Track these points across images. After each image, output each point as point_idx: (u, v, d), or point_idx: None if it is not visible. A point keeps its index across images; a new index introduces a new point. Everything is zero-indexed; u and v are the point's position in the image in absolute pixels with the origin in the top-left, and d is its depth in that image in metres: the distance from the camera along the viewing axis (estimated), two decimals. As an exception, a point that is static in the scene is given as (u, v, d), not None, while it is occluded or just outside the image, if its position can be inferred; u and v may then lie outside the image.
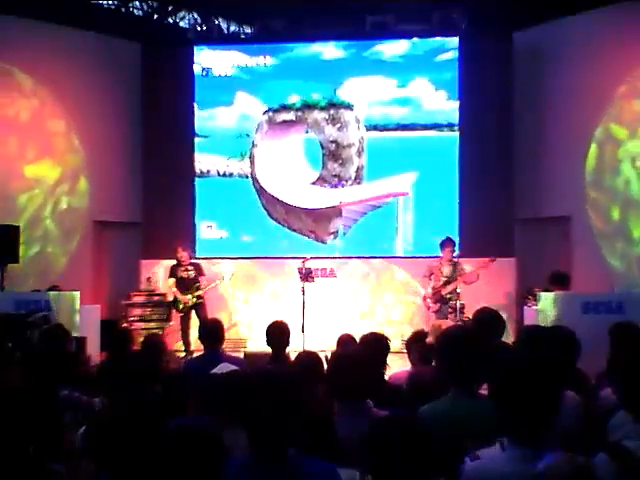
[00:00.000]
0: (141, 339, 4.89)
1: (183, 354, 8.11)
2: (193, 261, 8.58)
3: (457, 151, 9.22)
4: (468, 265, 7.98)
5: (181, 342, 8.36)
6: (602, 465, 2.02)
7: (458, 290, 7.72)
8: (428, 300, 7.85)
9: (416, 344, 4.08)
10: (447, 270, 7.75)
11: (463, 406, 2.64)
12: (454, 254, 7.88)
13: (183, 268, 8.38)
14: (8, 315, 5.22)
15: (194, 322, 8.16)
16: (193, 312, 8.32)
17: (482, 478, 2.02)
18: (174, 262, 8.47)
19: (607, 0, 8.25)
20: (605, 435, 2.49)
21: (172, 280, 8.38)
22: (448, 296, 7.69)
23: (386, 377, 3.83)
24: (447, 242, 7.90)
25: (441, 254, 7.86)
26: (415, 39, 9.36)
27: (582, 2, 8.51)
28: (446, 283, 7.70)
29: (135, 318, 8.68)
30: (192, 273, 8.35)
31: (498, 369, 2.18)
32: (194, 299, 8.27)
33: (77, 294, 7.28)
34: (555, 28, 8.88)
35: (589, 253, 8.50)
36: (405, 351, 4.20)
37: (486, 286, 8.55)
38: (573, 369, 3.37)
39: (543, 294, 6.46)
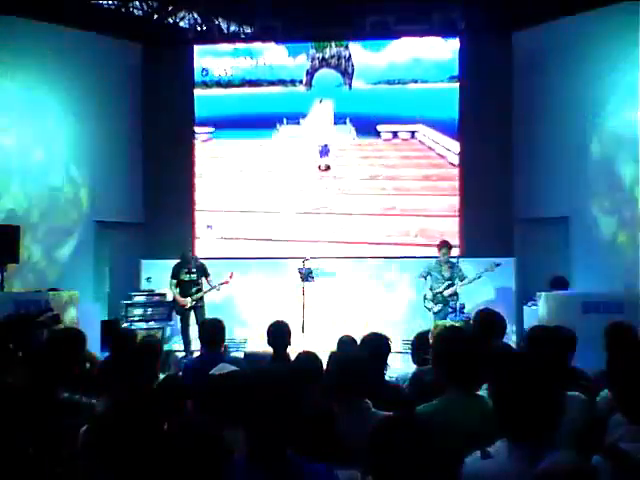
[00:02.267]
0: (140, 339, 4.89)
1: (183, 354, 8.11)
2: (199, 261, 8.46)
3: (457, 151, 9.24)
4: (469, 265, 8.03)
5: (181, 342, 8.36)
6: (598, 466, 2.02)
7: (458, 291, 7.77)
8: (429, 302, 7.87)
9: (421, 345, 4.08)
10: (447, 273, 7.79)
11: (460, 406, 2.64)
12: (449, 256, 7.91)
13: (186, 270, 8.25)
14: (17, 314, 5.19)
15: (194, 322, 8.15)
16: (193, 313, 8.29)
17: (483, 478, 2.02)
18: (177, 261, 8.33)
19: (607, 0, 8.25)
20: (604, 435, 2.49)
21: (174, 281, 8.26)
22: (449, 298, 7.73)
23: (387, 377, 3.83)
24: (440, 244, 7.97)
25: (439, 255, 7.93)
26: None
27: (582, 2, 8.50)
28: (449, 286, 7.74)
29: (135, 318, 8.67)
30: (194, 276, 8.24)
31: (499, 370, 2.18)
32: (192, 302, 8.22)
33: (77, 294, 7.30)
34: (555, 28, 8.88)
35: (589, 253, 8.49)
36: (404, 351, 4.20)
37: (486, 286, 8.57)
38: (567, 368, 3.37)
39: (543, 294, 6.46)
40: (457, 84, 9.24)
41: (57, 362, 3.38)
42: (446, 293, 7.74)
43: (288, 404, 1.99)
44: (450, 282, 7.76)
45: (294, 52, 9.58)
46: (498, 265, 7.73)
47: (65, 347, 3.59)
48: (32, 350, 3.80)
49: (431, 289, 7.86)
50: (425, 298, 7.94)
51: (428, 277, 7.93)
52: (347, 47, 9.52)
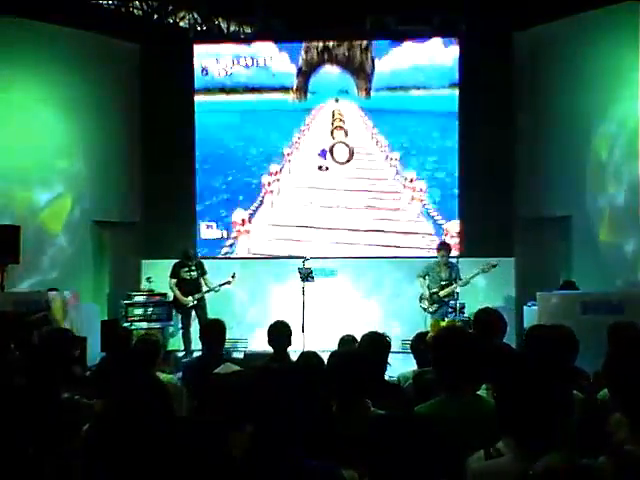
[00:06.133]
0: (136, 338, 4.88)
1: (183, 353, 8.13)
2: (198, 259, 8.50)
3: (457, 151, 9.24)
4: (469, 265, 8.04)
5: (181, 341, 8.37)
6: (602, 467, 2.02)
7: (457, 290, 7.79)
8: (425, 301, 7.94)
9: (421, 345, 4.08)
10: (445, 274, 7.85)
11: (459, 406, 2.63)
12: (448, 258, 7.94)
13: (187, 268, 8.29)
14: (9, 313, 5.16)
15: (195, 321, 8.20)
16: (194, 311, 8.30)
17: (485, 478, 2.02)
18: (177, 260, 8.39)
19: (607, 0, 8.25)
20: (603, 436, 2.48)
21: (174, 281, 8.29)
22: (446, 299, 7.78)
23: (387, 377, 3.83)
24: (439, 246, 8.05)
25: (437, 257, 7.98)
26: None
27: (582, 2, 8.50)
28: (444, 287, 7.80)
29: (135, 318, 8.67)
30: (195, 274, 8.29)
31: (500, 370, 2.18)
32: (194, 301, 8.24)
33: (77, 294, 7.30)
34: (555, 28, 8.88)
35: (590, 253, 8.49)
36: (404, 351, 4.20)
37: (486, 286, 8.57)
38: (569, 368, 3.37)
39: (543, 294, 6.45)
40: (457, 91, 9.12)
41: (52, 362, 3.38)
42: (442, 293, 7.80)
43: (289, 403, 1.99)
44: (446, 282, 7.81)
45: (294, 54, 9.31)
46: (495, 266, 7.73)
47: (55, 347, 3.60)
48: (27, 349, 3.80)
49: (428, 288, 7.92)
50: (421, 298, 8.01)
51: (426, 277, 8.00)
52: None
